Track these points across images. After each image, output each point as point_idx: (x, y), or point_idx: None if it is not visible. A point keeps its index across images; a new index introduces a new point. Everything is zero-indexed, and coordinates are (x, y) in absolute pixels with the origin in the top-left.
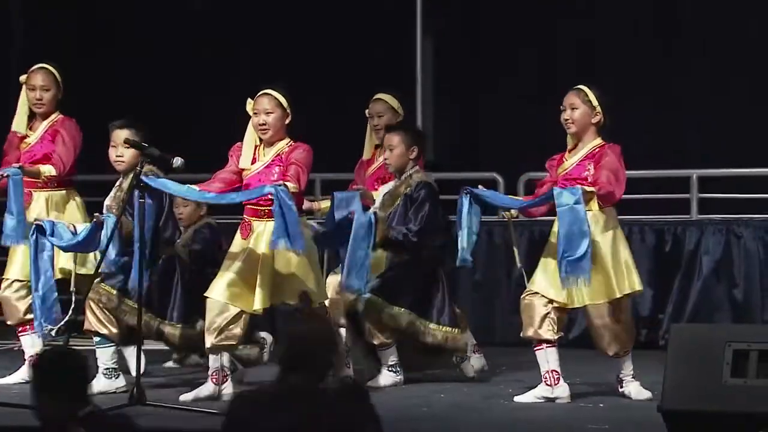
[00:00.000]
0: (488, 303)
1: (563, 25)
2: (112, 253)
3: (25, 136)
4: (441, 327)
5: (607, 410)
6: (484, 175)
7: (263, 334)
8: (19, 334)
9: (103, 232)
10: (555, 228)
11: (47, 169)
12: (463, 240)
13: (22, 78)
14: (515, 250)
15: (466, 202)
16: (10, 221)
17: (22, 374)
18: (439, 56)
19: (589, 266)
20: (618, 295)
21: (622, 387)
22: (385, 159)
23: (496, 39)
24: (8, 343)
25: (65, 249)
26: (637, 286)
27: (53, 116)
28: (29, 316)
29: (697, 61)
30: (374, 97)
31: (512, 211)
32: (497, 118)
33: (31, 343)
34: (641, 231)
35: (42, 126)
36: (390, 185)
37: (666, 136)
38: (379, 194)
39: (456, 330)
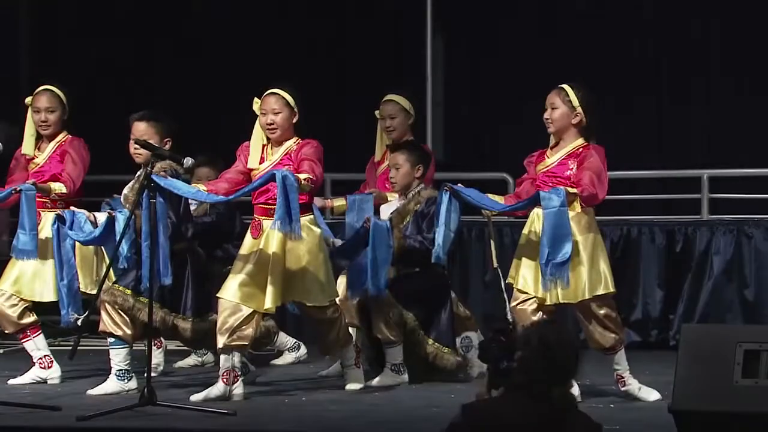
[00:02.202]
0: (497, 303)
1: (566, 24)
2: (125, 248)
3: (33, 158)
4: (433, 343)
5: (618, 411)
6: (494, 175)
7: (297, 342)
8: (22, 342)
9: (116, 228)
10: (533, 227)
11: (58, 187)
12: (440, 236)
13: (28, 100)
14: (492, 249)
15: (446, 198)
16: (23, 236)
17: (33, 375)
18: (447, 56)
19: (569, 269)
20: (588, 296)
21: (624, 386)
22: (391, 177)
23: (499, 39)
24: (18, 344)
25: (83, 242)
26: (611, 287)
27: (60, 137)
28: (24, 321)
29: (703, 60)
30: (385, 98)
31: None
32: (506, 118)
33: (34, 347)
34: (651, 231)
35: (49, 147)
36: (395, 203)
37: (674, 137)
38: (382, 213)
39: (447, 349)
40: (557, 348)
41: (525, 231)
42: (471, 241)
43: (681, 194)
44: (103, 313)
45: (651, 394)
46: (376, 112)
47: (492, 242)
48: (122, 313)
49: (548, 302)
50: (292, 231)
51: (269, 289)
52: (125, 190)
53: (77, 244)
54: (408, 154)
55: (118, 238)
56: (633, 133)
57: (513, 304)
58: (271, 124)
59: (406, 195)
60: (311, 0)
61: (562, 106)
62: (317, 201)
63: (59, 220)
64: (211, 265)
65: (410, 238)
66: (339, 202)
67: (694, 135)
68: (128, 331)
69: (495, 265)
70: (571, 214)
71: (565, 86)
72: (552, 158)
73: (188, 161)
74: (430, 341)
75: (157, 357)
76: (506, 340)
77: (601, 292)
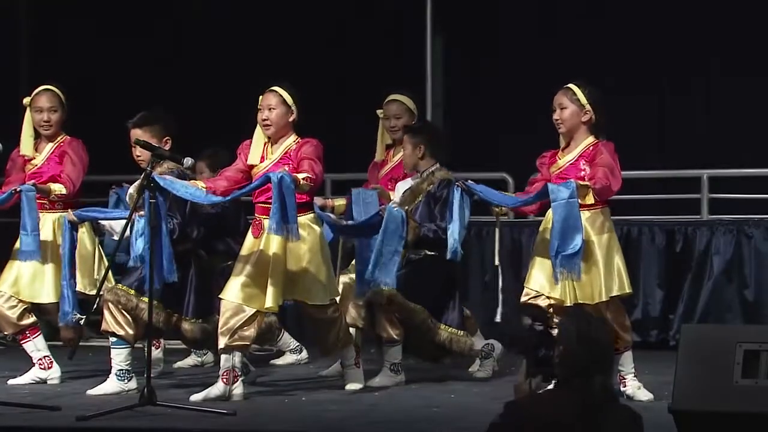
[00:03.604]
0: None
1: (566, 24)
2: (139, 247)
3: (31, 159)
4: (447, 328)
5: None
6: (494, 175)
7: (300, 345)
8: (21, 343)
9: (135, 228)
10: (548, 225)
11: (58, 188)
12: (455, 233)
13: (26, 100)
14: (497, 246)
15: (458, 195)
16: (25, 237)
17: (33, 375)
18: (447, 56)
19: (581, 262)
20: (605, 299)
21: (624, 386)
22: (404, 159)
23: (499, 39)
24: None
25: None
26: (627, 288)
27: (59, 138)
28: (24, 322)
29: (703, 60)
30: (389, 99)
31: (502, 208)
32: (506, 118)
33: (34, 348)
34: (652, 231)
35: (48, 147)
36: (410, 181)
37: (675, 137)
38: (397, 190)
39: (461, 333)
40: (595, 338)
41: (540, 229)
42: (470, 241)
43: (681, 194)
44: (106, 313)
45: (646, 395)
46: (379, 111)
47: (497, 240)
48: (125, 313)
49: (567, 303)
50: (289, 233)
51: (270, 288)
52: (131, 189)
53: (77, 245)
54: (410, 136)
55: (118, 236)
56: (633, 133)
57: (524, 299)
58: (265, 120)
59: (421, 175)
60: (311, 0)
61: (571, 105)
62: (317, 200)
63: (73, 227)
64: (210, 261)
65: (425, 226)
66: (339, 202)
67: (694, 135)
68: (130, 331)
69: (496, 262)
70: (586, 214)
71: (571, 86)
72: (563, 159)
73: (188, 161)
74: (443, 326)
75: (156, 357)
76: (543, 326)
77: (616, 293)
